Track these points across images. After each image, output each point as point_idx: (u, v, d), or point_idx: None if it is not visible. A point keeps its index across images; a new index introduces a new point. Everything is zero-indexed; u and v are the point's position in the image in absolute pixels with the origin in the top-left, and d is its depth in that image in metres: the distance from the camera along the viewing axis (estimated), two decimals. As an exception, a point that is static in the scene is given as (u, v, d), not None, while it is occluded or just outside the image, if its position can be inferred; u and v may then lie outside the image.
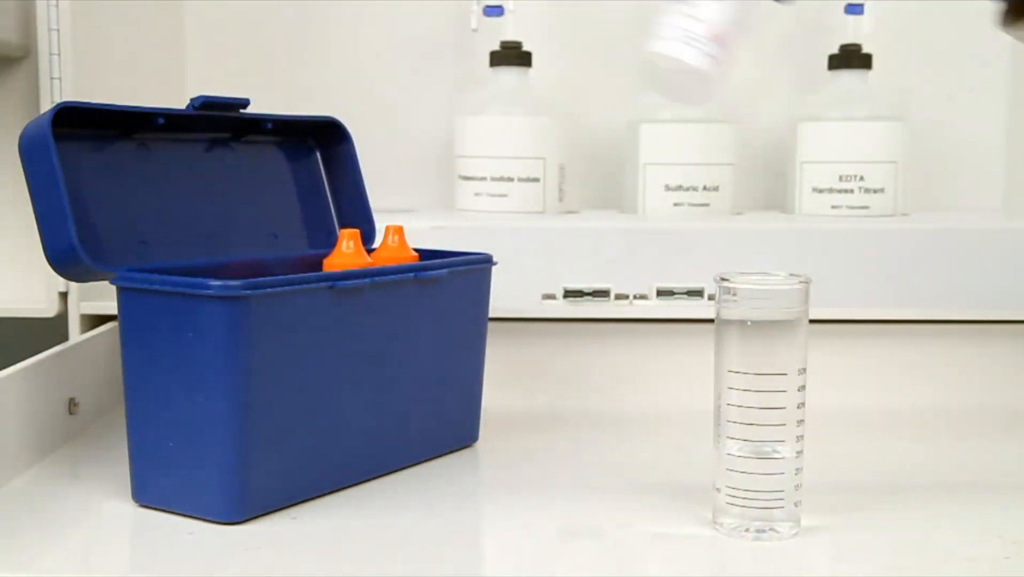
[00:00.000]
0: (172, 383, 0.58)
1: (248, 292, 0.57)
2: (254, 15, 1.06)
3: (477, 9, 0.99)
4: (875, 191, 0.97)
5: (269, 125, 0.73)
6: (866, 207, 0.97)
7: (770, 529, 0.56)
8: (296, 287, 0.60)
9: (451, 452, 0.72)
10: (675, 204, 0.97)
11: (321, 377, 0.62)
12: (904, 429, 0.79)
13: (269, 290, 0.58)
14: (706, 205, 0.97)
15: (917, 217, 0.97)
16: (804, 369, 0.57)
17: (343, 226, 0.76)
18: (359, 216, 0.77)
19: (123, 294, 0.60)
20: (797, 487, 0.57)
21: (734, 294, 0.56)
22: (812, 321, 0.57)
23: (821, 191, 0.98)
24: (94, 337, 0.80)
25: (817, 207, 0.98)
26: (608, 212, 1.02)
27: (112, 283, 0.60)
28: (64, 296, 0.84)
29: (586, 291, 0.89)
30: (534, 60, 1.00)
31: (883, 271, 0.89)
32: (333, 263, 0.68)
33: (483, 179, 0.97)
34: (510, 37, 0.99)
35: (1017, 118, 1.05)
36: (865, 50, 0.99)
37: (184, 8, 1.04)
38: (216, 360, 0.57)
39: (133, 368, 0.60)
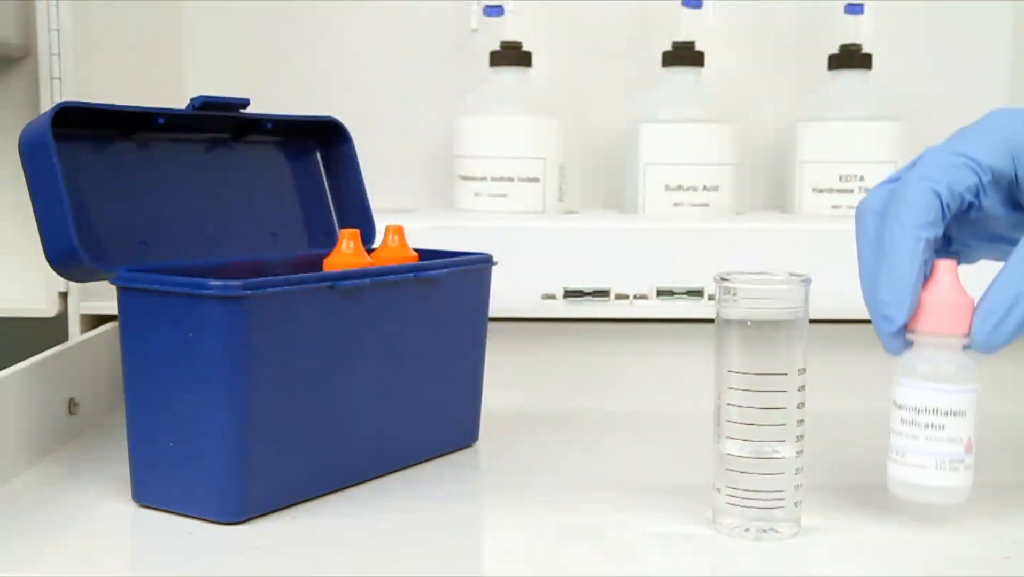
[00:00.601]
0: (172, 383, 0.58)
1: (248, 292, 0.57)
2: (254, 15, 1.06)
3: (477, 9, 0.99)
4: (875, 191, 0.97)
5: (269, 125, 0.73)
6: (866, 207, 0.97)
7: (770, 529, 0.56)
8: (296, 287, 0.60)
9: (451, 452, 0.72)
10: (675, 204, 0.97)
11: (321, 377, 0.62)
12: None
13: (269, 290, 0.58)
14: (706, 205, 0.97)
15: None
16: (804, 369, 0.57)
17: (343, 226, 0.76)
18: (359, 216, 0.77)
19: (123, 294, 0.60)
20: (797, 487, 0.57)
21: (734, 294, 0.56)
22: (812, 321, 0.57)
23: (821, 191, 0.98)
24: (94, 337, 0.80)
25: (817, 207, 0.98)
26: (608, 212, 1.02)
27: (112, 283, 0.60)
28: (64, 296, 0.84)
29: (586, 291, 0.90)
30: (534, 60, 1.00)
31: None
32: (333, 263, 0.67)
33: (483, 179, 0.97)
34: (510, 37, 0.99)
35: (1017, 118, 1.05)
36: (865, 50, 0.99)
37: (184, 8, 1.04)
38: (216, 360, 0.57)
39: (133, 368, 0.60)
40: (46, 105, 0.80)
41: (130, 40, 0.93)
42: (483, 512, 0.65)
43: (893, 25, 1.04)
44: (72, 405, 0.74)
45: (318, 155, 0.78)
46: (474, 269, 0.72)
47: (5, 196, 0.83)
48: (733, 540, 0.57)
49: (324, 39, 1.06)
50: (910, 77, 1.06)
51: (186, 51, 1.04)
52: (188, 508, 0.59)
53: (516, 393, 0.85)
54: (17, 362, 0.68)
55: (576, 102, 1.05)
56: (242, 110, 0.70)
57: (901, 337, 0.57)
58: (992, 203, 0.58)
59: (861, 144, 0.98)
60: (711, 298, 0.86)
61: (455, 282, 0.70)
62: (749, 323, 0.56)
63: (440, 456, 0.71)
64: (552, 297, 0.89)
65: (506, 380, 0.81)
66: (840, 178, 0.97)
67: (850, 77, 0.99)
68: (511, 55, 0.99)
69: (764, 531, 0.56)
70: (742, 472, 0.56)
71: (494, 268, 0.74)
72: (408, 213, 0.98)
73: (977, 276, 0.59)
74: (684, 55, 0.99)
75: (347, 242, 0.68)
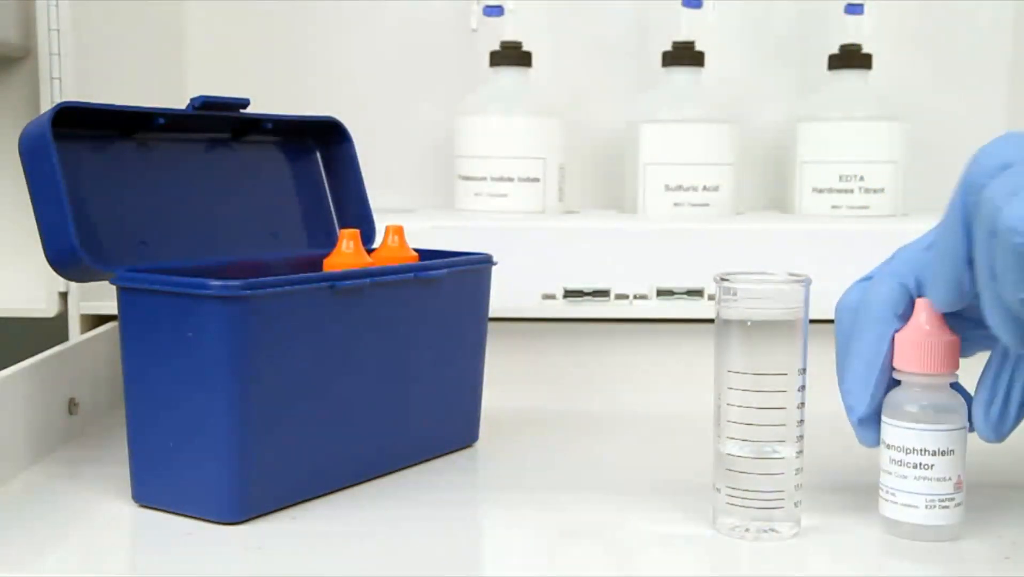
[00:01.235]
0: (172, 383, 0.58)
1: (248, 292, 0.57)
2: (254, 15, 1.06)
3: (477, 9, 0.99)
4: (875, 191, 0.97)
5: (269, 125, 0.73)
6: (866, 207, 0.97)
7: (770, 529, 0.56)
8: (296, 287, 0.60)
9: (451, 452, 0.72)
10: (675, 204, 0.97)
11: (321, 377, 0.62)
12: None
13: (269, 290, 0.58)
14: (706, 205, 0.97)
15: (917, 217, 0.97)
16: (804, 369, 0.57)
17: (343, 226, 0.76)
18: (359, 216, 0.77)
19: (123, 294, 0.60)
20: (797, 487, 0.57)
21: (734, 294, 0.56)
22: (812, 321, 0.57)
23: (821, 191, 0.98)
24: (94, 337, 0.80)
25: (817, 207, 0.98)
26: (608, 212, 1.01)
27: (112, 283, 0.60)
28: (64, 296, 0.84)
29: (586, 291, 0.89)
30: (534, 60, 1.00)
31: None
32: (333, 263, 0.68)
33: (483, 179, 0.97)
34: (510, 37, 0.99)
35: (1017, 118, 1.05)
36: (865, 50, 0.99)
37: (184, 8, 1.04)
38: (216, 360, 0.57)
39: (133, 368, 0.60)
40: (46, 105, 0.80)
41: (130, 40, 0.93)
42: (483, 512, 0.65)
43: (893, 25, 1.04)
44: (72, 405, 0.74)
45: (318, 155, 0.78)
46: (474, 269, 0.72)
47: (5, 196, 0.83)
48: (733, 540, 0.57)
49: (324, 39, 1.06)
50: (910, 77, 1.06)
51: (186, 51, 1.04)
52: (188, 508, 0.59)
53: (516, 393, 0.85)
54: (17, 362, 0.68)
55: (576, 102, 1.05)
56: (242, 110, 0.70)
57: (869, 427, 0.58)
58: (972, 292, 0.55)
59: (861, 144, 0.98)
60: (711, 298, 0.86)
61: (455, 282, 0.70)
62: (749, 323, 0.56)
63: (440, 456, 0.71)
64: (552, 297, 0.89)
65: (506, 380, 0.81)
66: (840, 178, 0.97)
67: (850, 77, 0.99)
68: (511, 55, 0.99)
69: (764, 531, 0.56)
70: (742, 472, 0.56)
71: (494, 268, 0.74)
72: (408, 213, 0.98)
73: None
74: (684, 55, 0.99)
75: (347, 242, 0.68)
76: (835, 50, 1.00)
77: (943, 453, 0.56)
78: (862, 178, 0.97)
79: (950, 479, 0.56)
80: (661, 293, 0.89)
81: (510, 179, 0.96)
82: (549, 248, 0.90)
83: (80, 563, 0.56)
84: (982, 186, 0.52)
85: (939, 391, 0.56)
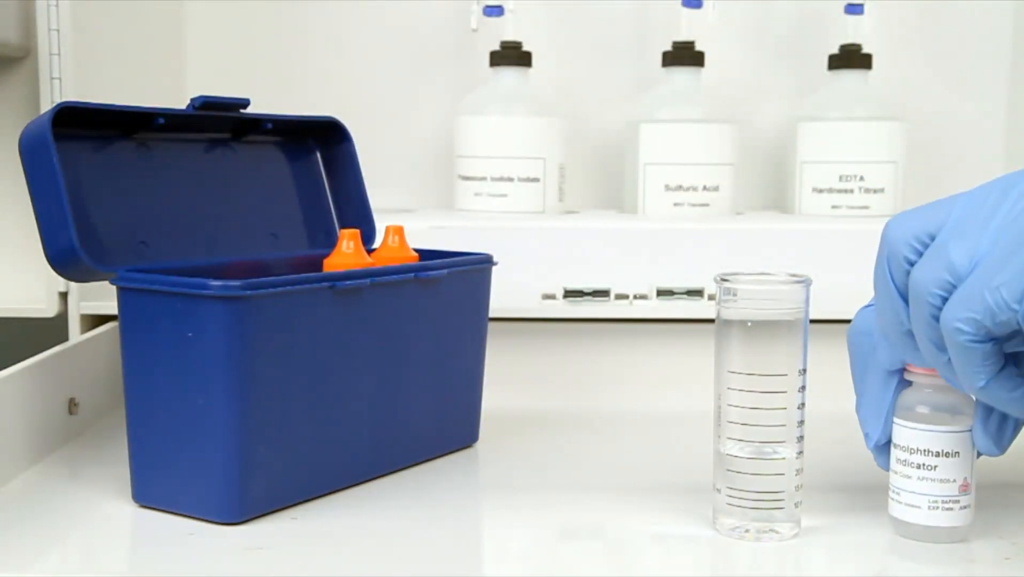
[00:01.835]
0: (172, 383, 0.58)
1: (248, 292, 0.57)
2: (254, 15, 1.06)
3: (477, 9, 0.99)
4: (875, 191, 0.97)
5: (269, 125, 0.73)
6: (866, 207, 0.97)
7: (770, 530, 0.56)
8: (296, 287, 0.60)
9: (451, 452, 0.72)
10: (675, 204, 0.97)
11: (321, 377, 0.62)
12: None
13: (269, 290, 0.58)
14: (706, 205, 0.97)
15: (917, 217, 0.97)
16: (804, 369, 0.57)
17: (343, 226, 0.76)
18: (359, 216, 0.77)
19: (123, 294, 0.60)
20: (798, 488, 0.57)
21: (734, 294, 0.56)
22: (812, 321, 0.57)
23: (821, 191, 0.98)
24: (94, 337, 0.80)
25: (817, 207, 0.98)
26: (608, 212, 1.02)
27: (112, 283, 0.60)
28: (64, 296, 0.84)
29: (586, 291, 0.89)
30: (534, 60, 1.00)
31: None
32: (333, 263, 0.67)
33: (483, 179, 0.97)
34: (510, 37, 0.99)
35: (1017, 118, 1.05)
36: (865, 50, 0.99)
37: (184, 8, 1.04)
38: (216, 360, 0.57)
39: (133, 368, 0.60)
40: (46, 105, 0.80)
41: (130, 40, 0.93)
42: (483, 512, 0.65)
43: (893, 25, 1.04)
44: (72, 405, 0.74)
45: (318, 155, 0.78)
46: (474, 269, 0.72)
47: (5, 196, 0.83)
48: (733, 541, 0.57)
49: (324, 39, 1.06)
50: (910, 77, 1.06)
51: (186, 51, 1.04)
52: (188, 508, 0.59)
53: (516, 393, 0.85)
54: (17, 362, 0.68)
55: (576, 102, 1.05)
56: (242, 110, 0.70)
57: (885, 452, 0.58)
58: None
59: (861, 144, 0.98)
60: (711, 298, 0.86)
61: (455, 282, 0.70)
62: (749, 323, 0.56)
63: (440, 456, 0.71)
64: (552, 297, 0.89)
65: (506, 380, 0.81)
66: (840, 178, 0.97)
67: (850, 77, 0.99)
68: (511, 55, 0.99)
69: (764, 532, 0.56)
70: (742, 472, 0.56)
71: (494, 268, 0.74)
72: (408, 213, 0.98)
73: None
74: (684, 55, 0.99)
75: (347, 242, 0.68)
76: (835, 50, 1.00)
77: (947, 455, 0.56)
78: (862, 178, 0.97)
79: (954, 481, 0.56)
80: (661, 293, 0.89)
81: (510, 179, 0.96)
82: (549, 248, 0.90)
83: (80, 563, 0.56)
84: (905, 259, 0.54)
85: (948, 392, 0.56)
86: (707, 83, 1.00)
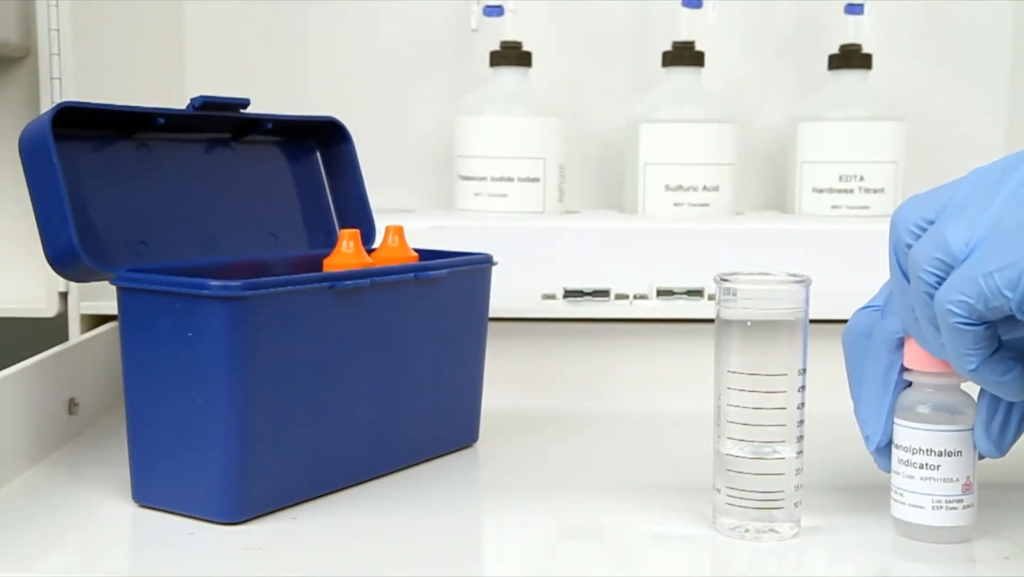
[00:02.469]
0: (172, 383, 0.58)
1: (248, 292, 0.57)
2: (254, 15, 1.06)
3: (477, 9, 0.99)
4: (875, 191, 0.97)
5: (269, 125, 0.73)
6: (866, 207, 0.97)
7: (770, 530, 0.56)
8: (296, 287, 0.60)
9: (451, 452, 0.72)
10: (675, 204, 0.97)
11: (321, 377, 0.62)
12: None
13: (269, 290, 0.58)
14: (706, 205, 0.97)
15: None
16: (804, 369, 0.57)
17: (343, 226, 0.76)
18: (359, 216, 0.77)
19: (123, 294, 0.60)
20: (797, 487, 0.57)
21: (734, 294, 0.56)
22: (812, 321, 0.57)
23: (821, 191, 0.98)
24: (94, 337, 0.80)
25: (817, 207, 0.98)
26: (608, 212, 1.02)
27: (112, 283, 0.60)
28: (64, 296, 0.84)
29: (586, 291, 0.90)
30: (534, 60, 1.00)
31: (883, 271, 0.88)
32: (333, 263, 0.67)
33: (483, 179, 0.97)
34: (510, 37, 0.99)
35: (1017, 118, 1.05)
36: (865, 50, 0.99)
37: (184, 8, 1.04)
38: (216, 360, 0.57)
39: (133, 368, 0.60)
40: (46, 105, 0.80)
41: (130, 40, 0.93)
42: (483, 512, 0.65)
43: (893, 25, 1.04)
44: (72, 405, 0.74)
45: (318, 155, 0.78)
46: (474, 269, 0.72)
47: (5, 196, 0.83)
48: (733, 540, 0.57)
49: (324, 39, 1.06)
50: (910, 77, 1.06)
51: (186, 51, 1.04)
52: (188, 508, 0.59)
53: (516, 393, 0.85)
54: (17, 362, 0.68)
55: (576, 102, 1.05)
56: (242, 110, 0.70)
57: (886, 454, 0.58)
58: None
59: (861, 144, 0.98)
60: (711, 298, 0.86)
61: (455, 282, 0.70)
62: (749, 323, 0.56)
63: (440, 456, 0.71)
64: (552, 297, 0.89)
65: (506, 380, 0.82)
66: (840, 178, 0.97)
67: (850, 77, 0.99)
68: (511, 55, 0.99)
69: (764, 532, 0.56)
70: (742, 472, 0.56)
71: (494, 268, 0.74)
72: (408, 213, 0.98)
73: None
74: (684, 55, 0.99)
75: (347, 242, 0.68)
76: (835, 50, 1.00)
77: (949, 454, 0.56)
78: (862, 178, 0.97)
79: (957, 480, 0.56)
80: (661, 293, 0.89)
81: (510, 179, 0.96)
82: (549, 248, 0.90)
83: (80, 563, 0.56)
84: (908, 246, 0.54)
85: (949, 392, 0.56)
86: (707, 83, 1.00)
